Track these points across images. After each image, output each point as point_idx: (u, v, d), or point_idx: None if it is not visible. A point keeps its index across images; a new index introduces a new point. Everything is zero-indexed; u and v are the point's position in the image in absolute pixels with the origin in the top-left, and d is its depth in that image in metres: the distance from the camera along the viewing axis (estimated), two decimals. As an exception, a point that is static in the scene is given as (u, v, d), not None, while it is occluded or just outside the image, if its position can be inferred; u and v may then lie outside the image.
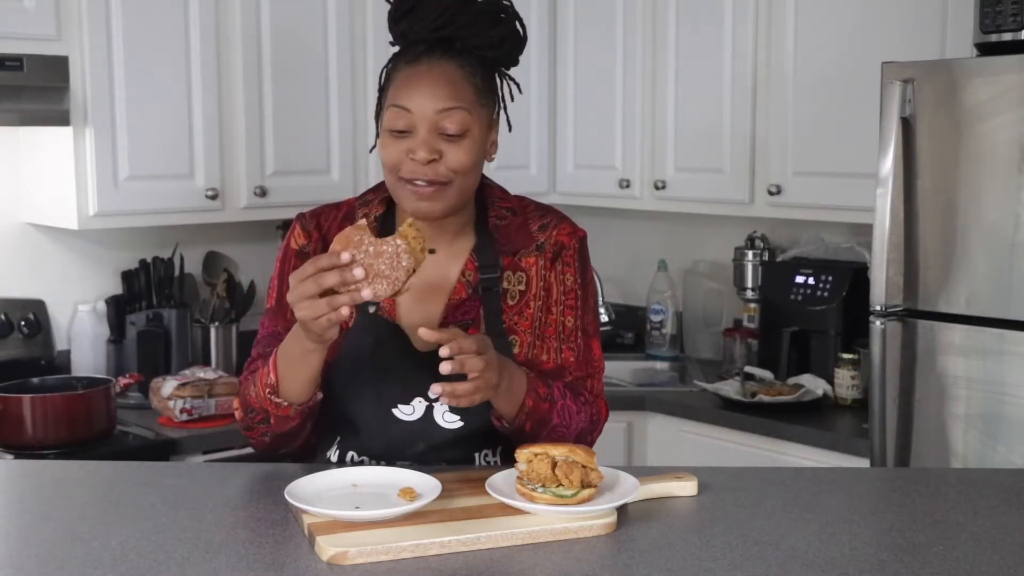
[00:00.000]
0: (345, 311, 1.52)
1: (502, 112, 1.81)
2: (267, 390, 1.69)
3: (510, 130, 1.83)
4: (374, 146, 1.79)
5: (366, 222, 1.59)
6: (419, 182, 1.70)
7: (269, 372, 1.69)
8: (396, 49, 1.78)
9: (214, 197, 3.35)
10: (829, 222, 3.47)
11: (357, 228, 1.55)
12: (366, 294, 1.51)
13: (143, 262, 3.51)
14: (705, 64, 3.55)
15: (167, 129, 3.27)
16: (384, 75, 1.77)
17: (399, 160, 1.71)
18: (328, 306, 1.51)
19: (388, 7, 1.77)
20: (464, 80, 1.72)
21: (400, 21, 1.74)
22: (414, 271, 1.54)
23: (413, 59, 1.72)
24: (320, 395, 1.73)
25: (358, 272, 1.50)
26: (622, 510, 1.59)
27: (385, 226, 1.82)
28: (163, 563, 1.42)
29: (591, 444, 1.84)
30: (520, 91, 1.83)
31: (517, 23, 1.77)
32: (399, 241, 1.53)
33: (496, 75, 1.79)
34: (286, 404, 1.70)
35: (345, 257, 1.51)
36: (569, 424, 1.78)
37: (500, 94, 1.80)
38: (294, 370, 1.67)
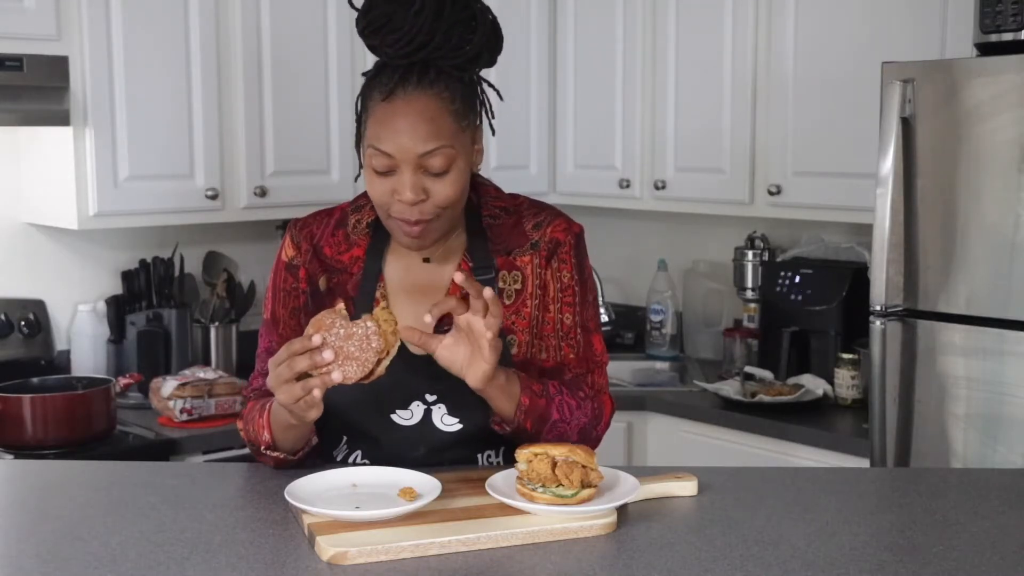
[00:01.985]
0: (318, 393, 1.55)
1: (485, 119, 1.77)
2: (263, 445, 1.75)
3: (493, 134, 1.80)
4: (358, 175, 1.77)
5: (342, 305, 1.60)
6: (408, 224, 1.69)
7: (264, 429, 1.73)
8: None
9: (214, 197, 3.35)
10: (829, 222, 3.47)
11: (331, 312, 1.58)
12: (336, 377, 1.54)
13: (143, 262, 3.51)
14: (705, 64, 3.55)
15: (167, 129, 3.27)
16: (359, 103, 1.72)
17: (386, 200, 1.69)
18: (303, 390, 1.55)
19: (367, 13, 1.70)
20: (443, 112, 1.66)
21: (371, 36, 1.68)
22: (387, 353, 1.56)
23: (388, 93, 1.65)
24: (315, 440, 1.76)
25: (327, 355, 1.53)
26: (622, 510, 1.59)
27: (378, 231, 1.82)
28: (163, 563, 1.42)
29: (597, 439, 1.83)
30: (501, 97, 1.79)
31: (487, 18, 1.71)
32: (369, 323, 1.55)
33: (476, 85, 1.74)
34: (283, 456, 1.75)
35: (316, 340, 1.54)
36: (570, 420, 1.77)
37: (480, 99, 1.76)
38: (285, 433, 1.71)
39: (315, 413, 1.58)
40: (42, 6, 3.02)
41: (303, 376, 1.55)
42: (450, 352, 1.64)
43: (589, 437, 1.80)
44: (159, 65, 3.23)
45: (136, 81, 3.19)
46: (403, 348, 1.77)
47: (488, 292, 1.58)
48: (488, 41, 1.71)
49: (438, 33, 1.64)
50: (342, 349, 1.54)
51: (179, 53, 3.27)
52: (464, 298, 1.62)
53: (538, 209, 1.86)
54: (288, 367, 1.55)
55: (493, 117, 1.79)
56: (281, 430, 1.70)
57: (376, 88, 1.68)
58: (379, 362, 1.56)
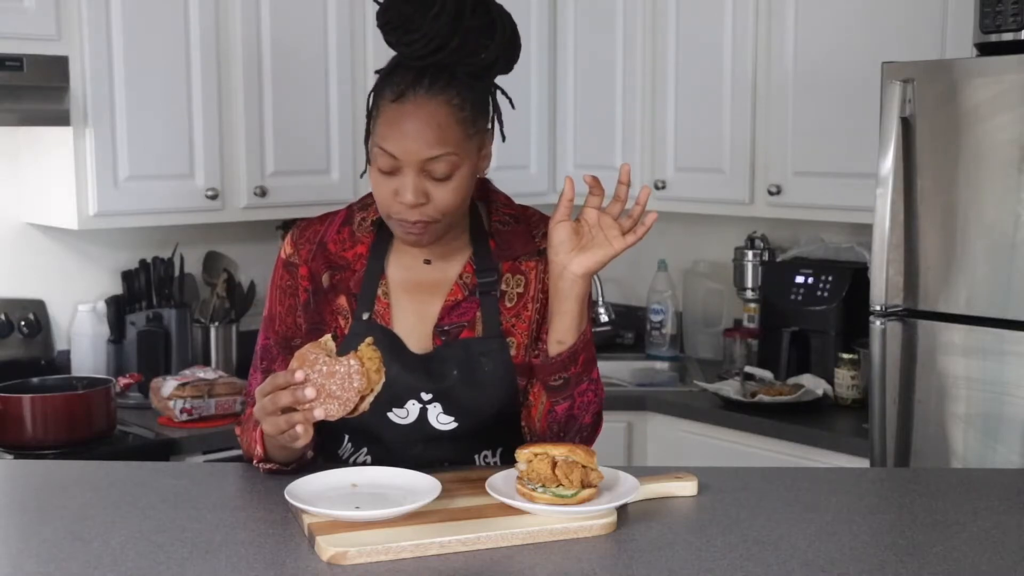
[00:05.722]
0: (300, 429, 1.54)
1: (496, 124, 1.76)
2: (256, 459, 1.75)
3: (504, 140, 1.78)
4: (364, 171, 1.77)
5: (329, 338, 1.60)
6: (408, 224, 1.69)
7: (257, 444, 1.73)
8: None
9: (214, 197, 3.35)
10: (829, 222, 3.47)
11: (315, 345, 1.58)
12: (318, 414, 1.54)
13: (143, 262, 3.51)
14: (705, 64, 3.55)
15: (167, 129, 3.27)
16: (371, 99, 1.71)
17: (389, 200, 1.69)
18: (286, 424, 1.55)
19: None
20: (451, 120, 1.65)
21: (390, 33, 1.66)
22: (372, 391, 1.56)
23: (398, 94, 1.64)
24: (311, 454, 1.76)
25: (309, 392, 1.53)
26: (622, 510, 1.59)
27: (382, 229, 1.82)
28: (163, 563, 1.42)
29: (595, 433, 1.84)
30: (513, 106, 1.77)
31: (507, 25, 1.69)
32: (353, 361, 1.55)
33: (489, 91, 1.73)
34: (278, 467, 1.75)
35: (299, 376, 1.54)
36: (598, 391, 1.79)
37: (493, 105, 1.75)
38: (277, 452, 1.72)
39: (301, 443, 1.58)
40: (42, 6, 3.01)
41: (288, 409, 1.55)
42: (566, 233, 1.69)
43: (597, 427, 1.82)
44: (159, 65, 3.23)
45: (136, 81, 3.19)
46: (401, 346, 1.77)
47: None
48: (505, 49, 1.69)
49: (455, 38, 1.62)
50: (324, 387, 1.54)
51: (179, 53, 3.27)
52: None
53: (546, 220, 1.86)
54: (271, 401, 1.56)
55: (503, 124, 1.78)
56: (274, 448, 1.71)
57: (388, 87, 1.67)
58: (363, 399, 1.56)
